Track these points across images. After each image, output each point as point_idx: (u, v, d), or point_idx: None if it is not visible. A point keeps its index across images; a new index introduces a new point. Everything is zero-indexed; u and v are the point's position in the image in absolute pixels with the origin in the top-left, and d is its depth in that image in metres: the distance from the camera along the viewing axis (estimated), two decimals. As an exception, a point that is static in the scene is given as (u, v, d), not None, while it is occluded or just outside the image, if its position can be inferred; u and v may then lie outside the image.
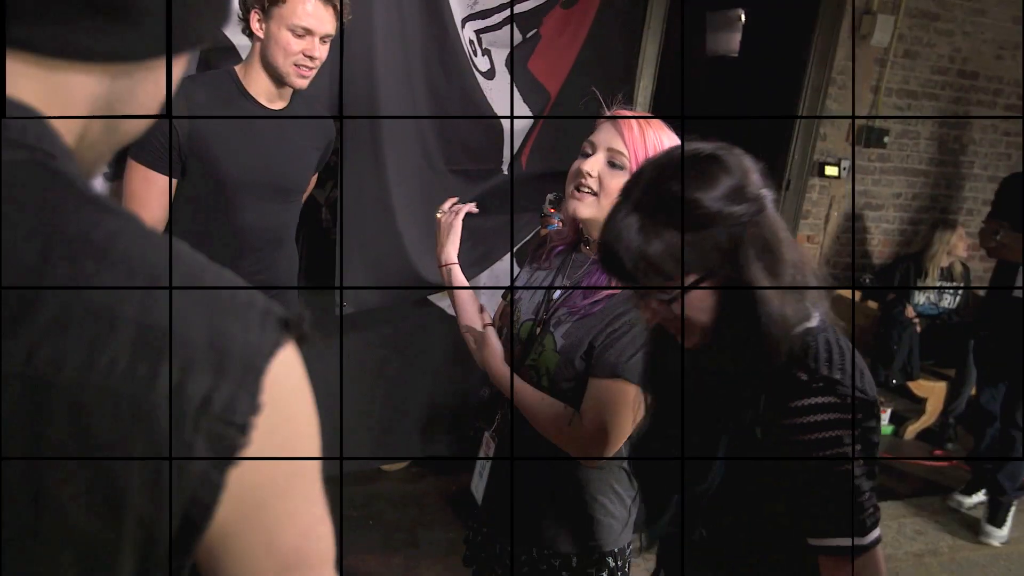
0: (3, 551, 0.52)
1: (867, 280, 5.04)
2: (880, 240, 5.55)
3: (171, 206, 2.19)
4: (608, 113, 1.66)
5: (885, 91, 5.16)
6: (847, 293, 5.14)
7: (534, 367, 1.68)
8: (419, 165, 3.14)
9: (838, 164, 5.13)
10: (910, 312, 4.85)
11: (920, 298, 4.98)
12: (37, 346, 0.50)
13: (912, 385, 4.92)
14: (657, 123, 1.64)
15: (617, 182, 1.58)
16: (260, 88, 2.21)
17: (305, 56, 2.15)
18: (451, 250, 1.91)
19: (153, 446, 0.53)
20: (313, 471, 0.62)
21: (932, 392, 4.90)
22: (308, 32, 2.13)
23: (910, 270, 4.98)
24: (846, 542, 1.15)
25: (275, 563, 0.60)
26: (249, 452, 0.56)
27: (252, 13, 2.12)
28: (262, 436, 0.56)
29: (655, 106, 4.26)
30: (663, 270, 1.14)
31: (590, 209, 1.62)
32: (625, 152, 1.59)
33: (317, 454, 0.62)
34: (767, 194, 1.18)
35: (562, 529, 1.71)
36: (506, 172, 3.48)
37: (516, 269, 3.11)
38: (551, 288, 1.75)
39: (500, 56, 3.39)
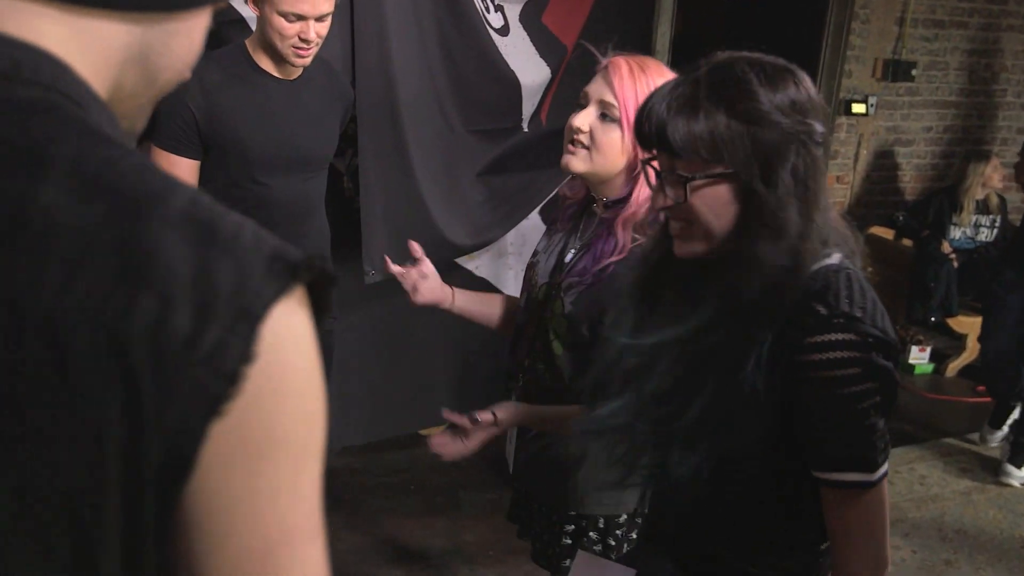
0: None
1: (900, 217, 4.94)
2: (912, 176, 5.44)
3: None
4: (603, 62, 1.61)
5: (911, 22, 5.02)
6: (882, 232, 5.05)
7: (547, 330, 1.67)
8: (438, 127, 3.10)
9: (865, 101, 5.02)
10: (946, 247, 4.76)
11: (956, 233, 4.88)
12: (14, 266, 0.49)
13: (951, 322, 4.84)
14: (654, 66, 1.59)
15: (609, 136, 1.56)
16: (268, 61, 2.19)
17: (301, 40, 2.12)
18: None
19: (130, 383, 0.49)
20: (309, 438, 0.56)
21: (972, 328, 4.82)
22: (301, 17, 2.09)
23: (944, 205, 4.88)
24: (855, 476, 1.14)
25: (258, 540, 0.54)
26: (239, 406, 0.51)
27: None
28: (255, 390, 0.52)
29: (674, 52, 4.18)
30: (699, 151, 1.12)
31: (583, 163, 1.59)
32: (615, 103, 1.55)
33: (318, 421, 0.57)
34: (820, 129, 1.16)
35: (583, 492, 1.70)
36: (526, 129, 3.43)
37: (542, 226, 3.07)
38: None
39: (513, 12, 3.33)
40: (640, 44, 3.90)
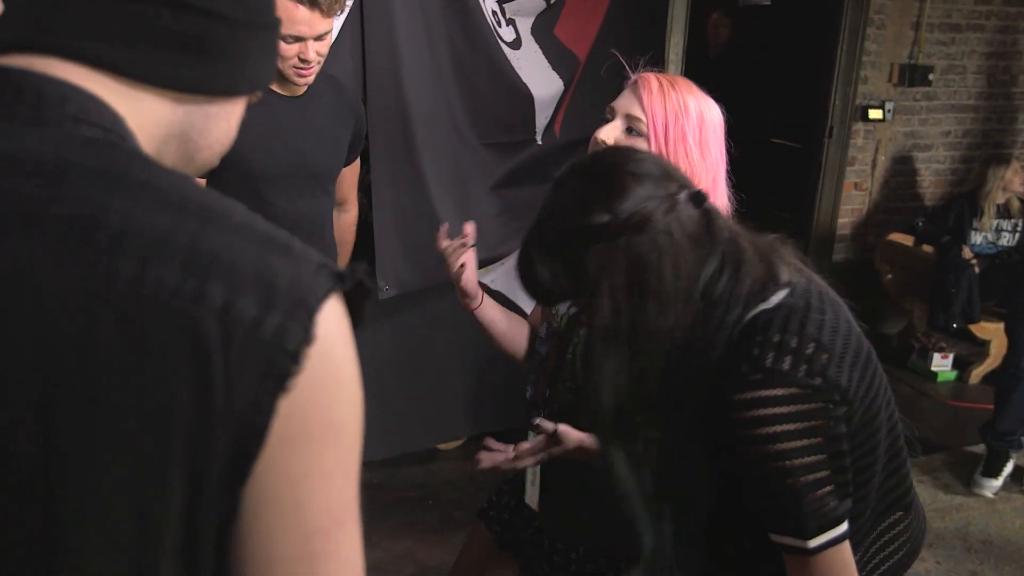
0: (66, 462, 0.54)
1: (920, 223, 4.89)
2: (931, 181, 5.39)
3: None
4: (633, 77, 1.59)
5: (927, 27, 4.98)
6: (902, 238, 5.01)
7: (573, 361, 1.61)
8: (451, 142, 3.11)
9: (882, 106, 4.98)
10: (967, 253, 4.70)
11: (977, 238, 4.82)
12: (94, 261, 0.54)
13: (974, 328, 4.78)
14: (683, 83, 1.56)
15: None
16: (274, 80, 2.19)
17: (300, 60, 2.12)
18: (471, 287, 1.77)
19: (201, 360, 0.54)
20: (358, 427, 0.62)
21: (995, 334, 4.75)
22: (298, 38, 2.09)
23: (965, 210, 4.83)
24: (788, 540, 1.08)
25: (321, 519, 0.59)
26: (302, 387, 0.57)
27: None
28: (314, 374, 0.57)
29: (687, 61, 4.16)
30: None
31: None
32: (643, 118, 1.52)
33: (359, 415, 0.62)
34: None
35: (615, 532, 1.62)
36: (540, 142, 3.43)
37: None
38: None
39: (525, 25, 3.33)
40: (653, 54, 3.89)
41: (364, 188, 3.30)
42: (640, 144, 1.51)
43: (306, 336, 0.57)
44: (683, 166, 1.49)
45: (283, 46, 2.09)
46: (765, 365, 1.05)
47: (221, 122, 0.71)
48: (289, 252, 0.60)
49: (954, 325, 4.72)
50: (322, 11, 2.09)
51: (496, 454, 1.54)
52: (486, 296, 1.80)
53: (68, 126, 0.60)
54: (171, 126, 0.68)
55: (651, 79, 1.55)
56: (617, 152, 1.19)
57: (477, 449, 1.60)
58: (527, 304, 3.17)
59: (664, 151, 1.50)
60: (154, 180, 0.59)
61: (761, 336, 1.07)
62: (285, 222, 2.20)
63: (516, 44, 3.28)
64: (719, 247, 1.12)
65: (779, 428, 1.04)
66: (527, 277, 1.16)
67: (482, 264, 3.34)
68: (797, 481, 1.05)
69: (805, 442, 1.04)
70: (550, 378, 1.68)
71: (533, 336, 1.82)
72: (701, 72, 3.05)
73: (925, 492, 3.61)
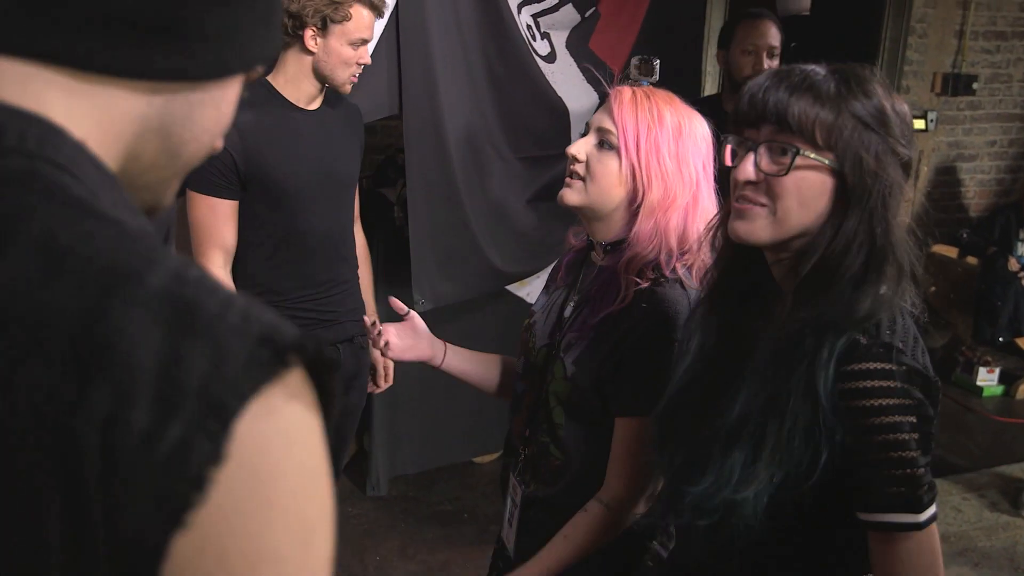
0: None
1: (964, 235, 4.80)
2: (976, 192, 5.29)
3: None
4: (609, 90, 1.51)
5: (971, 35, 4.90)
6: (946, 250, 4.92)
7: (548, 397, 1.53)
8: (487, 155, 3.12)
9: (924, 116, 4.91)
10: (1013, 265, 4.61)
11: (1023, 249, 4.73)
12: None
13: (1020, 341, 4.68)
14: (663, 95, 1.47)
15: (605, 164, 1.44)
16: (301, 94, 2.23)
17: (358, 65, 2.21)
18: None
19: (77, 486, 0.43)
20: (307, 554, 0.48)
21: (1043, 347, 4.66)
22: (364, 42, 2.18)
23: (1011, 220, 4.74)
24: (900, 518, 1.08)
25: None
26: (210, 517, 0.44)
27: (307, 30, 2.12)
28: (229, 498, 0.44)
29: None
30: (816, 133, 1.09)
31: (578, 196, 1.46)
32: (613, 130, 1.43)
33: (319, 532, 0.49)
34: (909, 153, 1.14)
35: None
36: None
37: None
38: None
39: (560, 38, 3.34)
40: (690, 66, 3.87)
41: (400, 202, 3.33)
42: (611, 158, 1.44)
43: (215, 454, 0.44)
44: (656, 180, 1.43)
45: (348, 51, 2.16)
46: (883, 340, 1.07)
47: (208, 110, 0.60)
48: (215, 329, 0.46)
49: (1000, 339, 4.63)
50: (379, 13, 2.20)
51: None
52: (449, 348, 1.73)
53: None
54: (147, 120, 0.57)
55: (624, 91, 1.47)
56: None
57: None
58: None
59: (636, 163, 1.43)
60: (60, 234, 0.47)
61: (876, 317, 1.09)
62: (314, 239, 2.26)
63: (551, 58, 3.29)
64: None
65: (892, 401, 1.05)
66: (792, 97, 1.10)
67: (518, 277, 3.35)
68: (908, 454, 1.06)
69: (912, 418, 1.06)
70: (528, 417, 1.59)
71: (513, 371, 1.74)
72: (739, 85, 3.04)
73: (970, 510, 3.54)
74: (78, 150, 0.53)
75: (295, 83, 2.21)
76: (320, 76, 2.19)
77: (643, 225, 1.43)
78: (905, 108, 1.15)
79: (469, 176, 3.01)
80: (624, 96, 1.45)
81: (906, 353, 1.07)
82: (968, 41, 4.91)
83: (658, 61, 1.67)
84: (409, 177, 2.86)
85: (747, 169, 1.13)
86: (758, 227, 1.14)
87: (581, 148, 1.46)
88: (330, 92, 2.31)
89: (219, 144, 0.64)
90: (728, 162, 1.18)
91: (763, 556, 1.20)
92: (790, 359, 1.11)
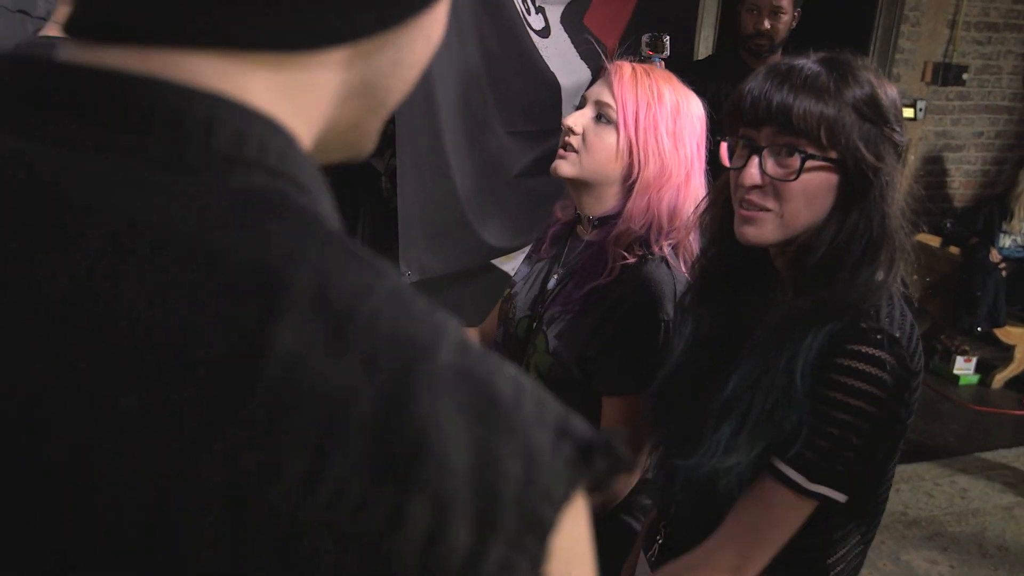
0: None
1: (948, 225, 4.84)
2: (961, 182, 5.33)
3: None
4: (608, 65, 1.51)
5: (963, 25, 4.91)
6: (928, 239, 4.96)
7: (528, 370, 1.51)
8: (477, 129, 3.11)
9: (914, 105, 4.93)
10: (995, 256, 4.66)
11: (1006, 241, 4.77)
12: (243, 447, 0.34)
13: (999, 332, 4.74)
14: (662, 73, 1.48)
15: (602, 138, 1.44)
16: None
17: None
18: None
19: None
20: None
21: (1020, 339, 4.71)
22: None
23: (994, 212, 4.78)
24: (793, 474, 1.09)
25: None
26: None
27: None
28: None
29: (717, 55, 4.13)
30: (820, 133, 1.10)
31: (571, 167, 1.46)
32: (613, 104, 1.43)
33: None
34: (903, 139, 1.16)
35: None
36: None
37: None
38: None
39: (555, 13, 3.32)
40: (682, 46, 3.87)
41: (388, 172, 3.32)
42: (609, 132, 1.44)
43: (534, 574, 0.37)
44: (652, 157, 1.43)
45: None
46: (885, 329, 1.08)
47: (418, 43, 0.49)
48: (518, 421, 0.37)
49: (979, 328, 4.68)
50: None
51: None
52: None
53: (216, 174, 0.39)
54: (348, 86, 0.46)
55: (624, 66, 1.48)
56: None
57: None
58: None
59: (633, 139, 1.43)
60: (333, 289, 0.37)
61: (875, 303, 1.10)
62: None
63: (545, 32, 3.28)
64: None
65: (871, 390, 1.06)
66: (795, 97, 1.10)
67: (504, 252, 3.35)
68: (852, 440, 1.07)
69: (876, 411, 1.06)
70: None
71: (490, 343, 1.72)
72: (743, 41, 3.07)
73: (942, 496, 3.59)
74: (305, 158, 0.44)
75: None
76: None
77: (636, 202, 1.44)
78: (895, 92, 1.16)
79: (459, 149, 3.01)
80: (624, 71, 1.45)
81: (902, 344, 1.08)
82: (960, 31, 4.93)
83: (668, 37, 1.67)
84: (399, 148, 2.85)
85: (753, 174, 1.13)
86: (767, 231, 1.15)
87: (578, 120, 1.46)
88: None
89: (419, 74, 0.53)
90: (726, 161, 1.19)
91: None
92: (784, 340, 1.12)
